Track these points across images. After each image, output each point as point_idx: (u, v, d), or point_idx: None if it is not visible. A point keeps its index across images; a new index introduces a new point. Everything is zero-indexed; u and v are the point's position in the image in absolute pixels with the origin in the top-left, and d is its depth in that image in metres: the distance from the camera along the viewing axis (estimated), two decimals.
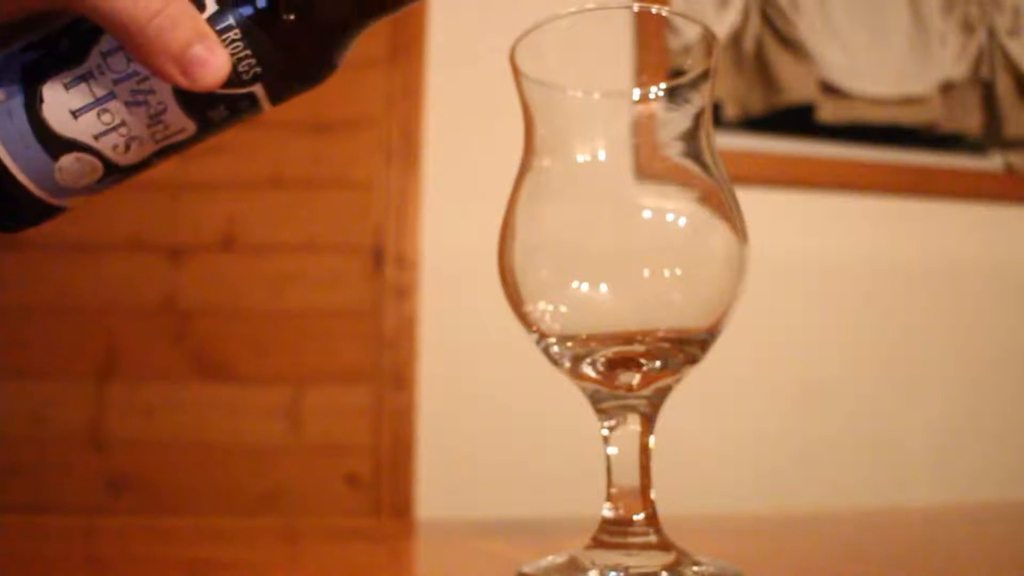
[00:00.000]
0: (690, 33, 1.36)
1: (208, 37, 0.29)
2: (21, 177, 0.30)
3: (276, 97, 0.32)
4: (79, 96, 0.30)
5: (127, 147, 0.31)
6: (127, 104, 0.30)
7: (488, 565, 0.41)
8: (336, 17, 0.32)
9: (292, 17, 0.31)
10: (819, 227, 1.57)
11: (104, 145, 0.31)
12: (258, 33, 0.30)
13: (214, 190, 1.43)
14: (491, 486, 1.37)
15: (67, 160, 0.30)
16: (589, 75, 0.38)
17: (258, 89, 0.32)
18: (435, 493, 1.37)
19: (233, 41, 0.30)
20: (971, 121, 1.67)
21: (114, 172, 0.32)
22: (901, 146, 1.65)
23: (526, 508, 1.28)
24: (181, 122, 0.31)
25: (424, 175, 1.44)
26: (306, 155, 1.44)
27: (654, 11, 0.40)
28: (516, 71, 0.38)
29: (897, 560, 0.43)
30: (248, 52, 0.30)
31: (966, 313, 1.59)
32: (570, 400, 0.54)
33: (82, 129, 0.30)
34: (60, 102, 0.30)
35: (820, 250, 1.55)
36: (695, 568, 0.34)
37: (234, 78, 0.30)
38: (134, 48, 0.29)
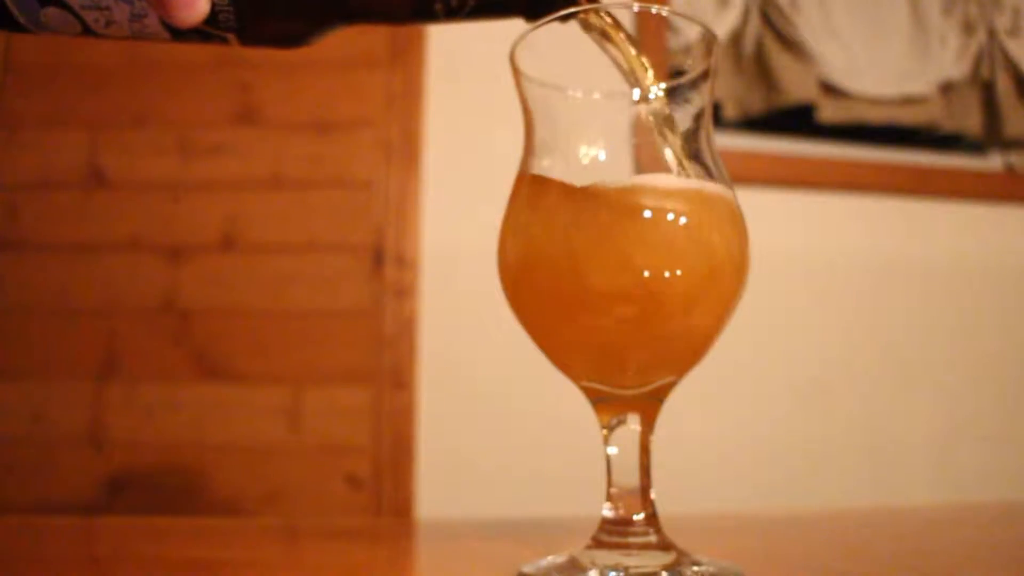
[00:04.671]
0: (690, 33, 1.36)
1: None
2: (11, 5, 0.34)
3: (247, 44, 0.35)
4: None
5: (107, 25, 0.34)
6: None
7: (488, 565, 0.41)
8: (311, 16, 0.35)
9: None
10: (819, 227, 1.57)
11: (87, 16, 0.34)
12: None
13: (214, 190, 1.43)
14: (491, 486, 1.37)
15: (53, 12, 0.34)
16: (589, 75, 0.38)
17: (231, 36, 0.35)
18: (435, 493, 1.37)
19: None
20: (971, 121, 1.67)
21: (92, 35, 0.35)
22: (901, 146, 1.65)
23: (526, 508, 1.28)
24: (157, 29, 0.34)
25: (424, 175, 1.44)
26: (306, 155, 1.44)
27: (654, 11, 0.40)
28: (516, 71, 0.38)
29: (897, 560, 0.43)
30: (231, 9, 0.33)
31: (966, 313, 1.59)
32: (570, 400, 0.54)
33: None
34: None
35: (820, 250, 1.55)
36: (695, 568, 0.34)
37: (211, 22, 0.33)
38: None
